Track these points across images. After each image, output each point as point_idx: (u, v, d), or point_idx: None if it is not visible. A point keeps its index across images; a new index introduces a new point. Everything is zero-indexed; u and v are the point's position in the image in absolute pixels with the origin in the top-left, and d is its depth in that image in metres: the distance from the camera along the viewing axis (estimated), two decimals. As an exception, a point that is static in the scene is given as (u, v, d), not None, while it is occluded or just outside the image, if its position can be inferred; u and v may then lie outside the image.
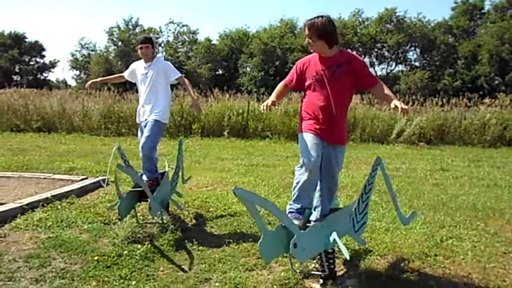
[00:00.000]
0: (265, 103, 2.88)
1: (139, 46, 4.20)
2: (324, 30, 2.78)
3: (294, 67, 3.03)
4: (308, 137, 2.82)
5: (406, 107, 2.65)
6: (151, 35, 4.52)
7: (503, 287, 2.90)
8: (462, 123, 12.03)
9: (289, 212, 2.83)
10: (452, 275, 3.06)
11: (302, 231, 2.60)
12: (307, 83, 2.93)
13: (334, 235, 2.65)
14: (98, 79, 4.73)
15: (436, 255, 3.39)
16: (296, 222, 2.74)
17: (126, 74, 4.51)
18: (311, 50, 2.95)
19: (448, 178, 6.76)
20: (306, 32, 2.86)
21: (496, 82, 29.99)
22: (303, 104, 2.97)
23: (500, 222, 4.35)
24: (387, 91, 2.88)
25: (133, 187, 4.04)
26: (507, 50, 28.20)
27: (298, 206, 2.82)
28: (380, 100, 3.25)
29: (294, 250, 2.46)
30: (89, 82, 4.61)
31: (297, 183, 2.80)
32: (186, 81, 4.29)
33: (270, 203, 2.47)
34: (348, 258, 2.65)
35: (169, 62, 4.39)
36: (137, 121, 4.41)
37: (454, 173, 7.21)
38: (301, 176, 2.75)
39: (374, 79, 2.94)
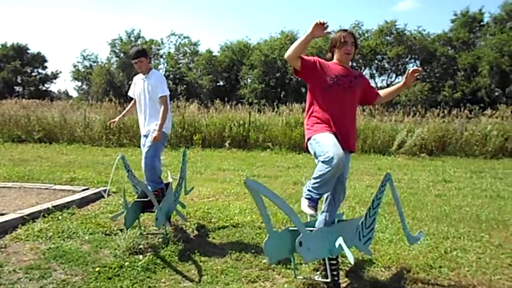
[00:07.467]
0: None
1: (133, 61, 4.14)
2: (357, 41, 3.03)
3: (314, 57, 3.00)
4: (329, 135, 2.80)
5: (414, 68, 2.99)
6: (142, 47, 4.35)
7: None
8: (464, 134, 12.02)
9: (308, 199, 2.78)
10: (458, 287, 3.02)
11: (308, 231, 2.60)
12: (322, 82, 2.90)
13: (340, 240, 2.62)
14: (117, 119, 4.59)
15: (440, 266, 3.35)
16: (311, 211, 2.73)
17: (131, 94, 4.45)
18: (347, 60, 3.01)
19: (450, 189, 6.73)
20: (351, 39, 2.95)
21: (496, 94, 30.05)
22: (315, 108, 2.96)
23: (504, 233, 4.32)
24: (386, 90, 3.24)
25: (137, 197, 4.03)
26: (507, 62, 28.31)
27: (318, 196, 2.78)
28: (391, 95, 3.37)
29: (300, 249, 2.47)
30: (112, 124, 4.56)
31: (322, 174, 2.70)
32: (164, 106, 4.08)
33: (279, 198, 2.46)
34: (353, 262, 2.62)
35: (162, 77, 4.22)
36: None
37: (457, 184, 7.18)
38: (327, 169, 2.67)
39: (375, 90, 3.22)
